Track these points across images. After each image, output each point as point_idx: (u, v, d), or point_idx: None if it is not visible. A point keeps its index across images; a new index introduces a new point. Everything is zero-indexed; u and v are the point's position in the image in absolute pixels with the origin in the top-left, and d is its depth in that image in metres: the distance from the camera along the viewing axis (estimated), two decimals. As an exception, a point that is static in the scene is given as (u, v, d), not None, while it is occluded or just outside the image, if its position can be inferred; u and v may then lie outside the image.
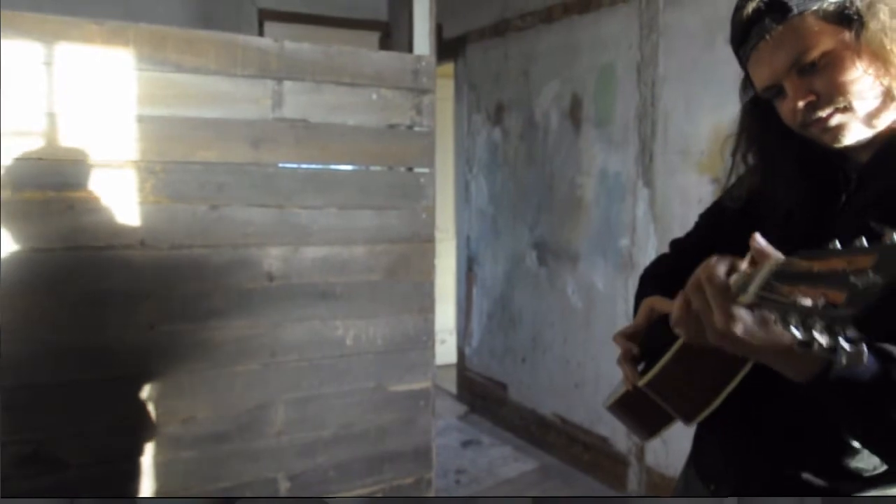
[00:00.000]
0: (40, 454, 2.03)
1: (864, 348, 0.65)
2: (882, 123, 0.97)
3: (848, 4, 0.94)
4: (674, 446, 3.03)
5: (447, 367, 4.77)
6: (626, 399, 1.09)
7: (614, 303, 3.39)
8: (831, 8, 0.94)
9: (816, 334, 0.66)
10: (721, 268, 0.82)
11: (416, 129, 2.49)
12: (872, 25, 0.92)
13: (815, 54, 0.95)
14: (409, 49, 2.60)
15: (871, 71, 0.94)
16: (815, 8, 0.94)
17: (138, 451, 2.17)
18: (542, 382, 3.99)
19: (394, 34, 4.80)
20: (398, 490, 2.57)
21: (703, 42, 2.86)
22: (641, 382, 1.01)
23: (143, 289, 2.13)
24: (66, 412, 2.05)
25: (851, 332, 0.63)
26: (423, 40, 2.60)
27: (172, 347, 2.19)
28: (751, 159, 1.12)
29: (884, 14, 0.92)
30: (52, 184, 2.00)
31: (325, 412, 2.42)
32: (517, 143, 4.10)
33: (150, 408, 2.17)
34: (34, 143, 1.98)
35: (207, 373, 2.24)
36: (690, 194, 2.98)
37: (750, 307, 0.79)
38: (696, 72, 2.93)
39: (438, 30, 2.89)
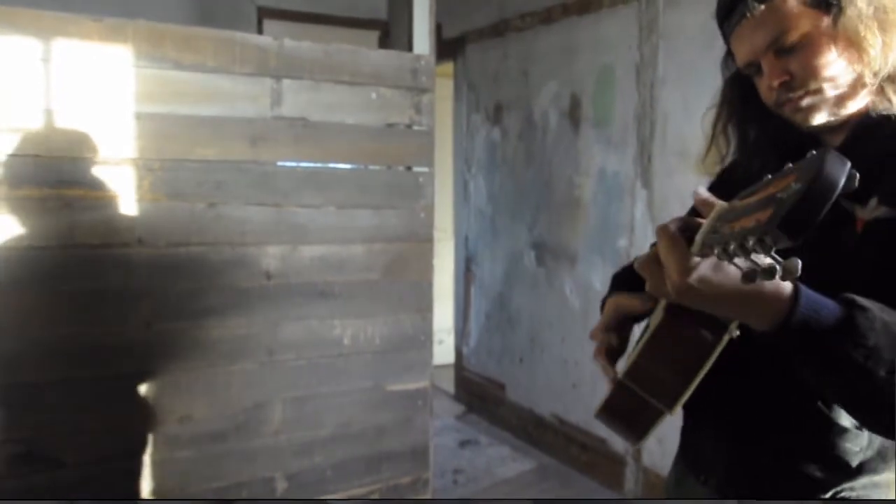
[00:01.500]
0: (35, 453, 2.02)
1: (798, 262, 0.69)
2: (852, 107, 1.00)
3: None
4: (670, 447, 3.00)
5: (445, 366, 4.77)
6: (611, 401, 1.09)
7: (612, 303, 3.38)
8: None
9: (754, 257, 0.69)
10: (673, 224, 0.85)
11: (415, 128, 2.49)
12: (849, 12, 0.95)
13: (793, 36, 0.97)
14: (409, 48, 2.59)
15: (845, 56, 0.97)
16: None
17: (134, 451, 2.16)
18: (539, 382, 3.99)
19: (393, 33, 4.79)
20: (396, 490, 2.56)
21: (703, 44, 2.86)
22: (620, 373, 1.02)
23: (140, 287, 2.12)
24: (61, 410, 2.04)
25: (781, 241, 0.66)
26: (422, 39, 2.60)
27: (169, 346, 2.18)
28: (730, 132, 1.15)
29: (861, 1, 0.95)
30: (49, 181, 2.00)
31: (322, 411, 2.41)
32: (516, 143, 4.09)
33: (147, 406, 2.17)
34: (31, 140, 1.97)
35: (204, 371, 2.23)
36: (688, 195, 2.97)
37: (702, 255, 0.81)
38: (695, 74, 2.93)
39: (438, 29, 2.88)
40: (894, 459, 1.01)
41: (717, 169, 1.22)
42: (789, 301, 0.81)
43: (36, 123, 1.98)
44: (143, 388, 2.16)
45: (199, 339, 2.22)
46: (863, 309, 0.81)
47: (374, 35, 4.49)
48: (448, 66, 4.64)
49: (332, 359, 2.41)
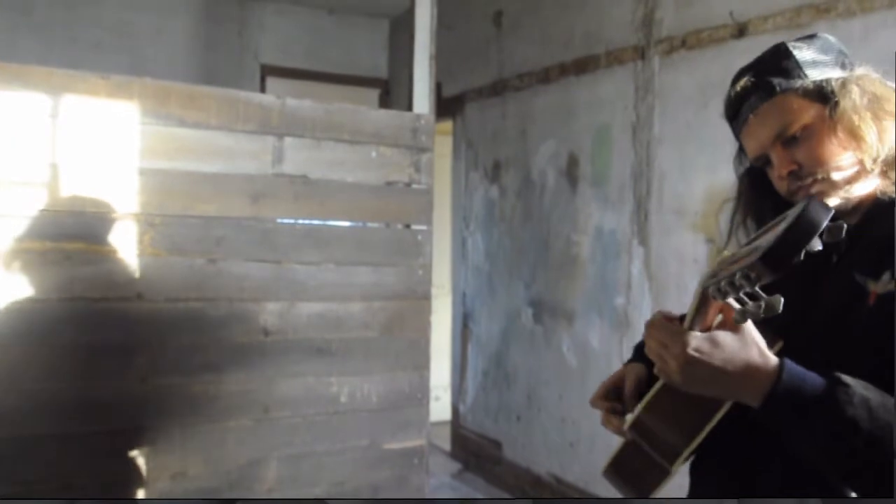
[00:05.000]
0: (27, 509, 2.00)
1: (780, 298, 0.77)
2: (860, 189, 1.07)
3: (825, 83, 1.05)
4: (670, 509, 2.98)
5: (441, 424, 4.72)
6: (618, 459, 1.12)
7: (609, 361, 3.38)
8: (811, 86, 1.06)
9: (742, 294, 0.78)
10: (661, 312, 0.97)
11: (414, 186, 2.51)
12: (844, 103, 1.03)
13: (796, 128, 1.06)
14: (409, 107, 2.63)
15: (845, 144, 1.04)
16: (797, 86, 1.06)
17: (127, 507, 2.13)
18: (536, 440, 3.95)
19: (393, 91, 4.88)
20: (390, 550, 2.52)
21: (697, 105, 2.91)
22: (626, 426, 1.07)
23: (138, 341, 2.12)
24: (55, 465, 2.02)
25: (765, 274, 0.74)
26: (422, 99, 2.63)
27: (165, 401, 2.17)
28: (749, 223, 1.21)
29: (854, 94, 1.03)
30: (51, 234, 2.01)
31: (317, 469, 2.39)
32: (514, 201, 4.13)
33: (141, 462, 2.14)
34: (36, 194, 1.99)
35: (199, 427, 2.21)
36: (685, 253, 3.00)
37: (700, 302, 0.90)
38: (690, 133, 2.97)
39: (437, 88, 2.94)
40: None
41: None
42: (775, 372, 0.90)
43: (41, 177, 2.00)
44: (137, 444, 2.14)
45: (195, 394, 2.20)
46: (844, 385, 0.89)
47: (374, 93, 4.57)
48: (447, 124, 4.70)
49: (329, 416, 2.39)
